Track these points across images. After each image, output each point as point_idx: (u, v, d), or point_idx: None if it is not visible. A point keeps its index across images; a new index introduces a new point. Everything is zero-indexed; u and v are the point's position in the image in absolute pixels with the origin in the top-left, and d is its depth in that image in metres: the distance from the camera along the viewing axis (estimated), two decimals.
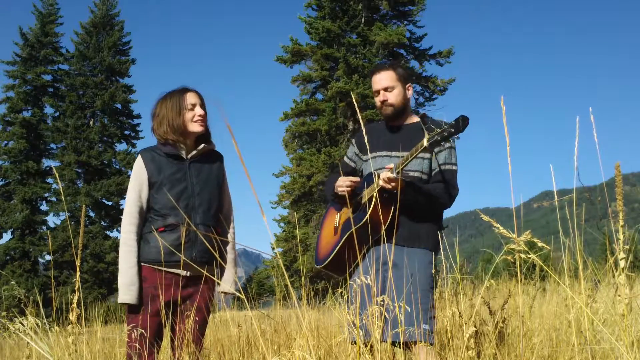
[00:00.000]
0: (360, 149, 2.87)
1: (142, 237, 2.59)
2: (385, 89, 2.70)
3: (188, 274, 2.57)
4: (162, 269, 2.54)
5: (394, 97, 2.70)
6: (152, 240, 2.54)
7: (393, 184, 2.47)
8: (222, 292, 2.72)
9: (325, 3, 22.53)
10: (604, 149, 2.09)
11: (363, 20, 22.66)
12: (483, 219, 1.90)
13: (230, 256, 2.74)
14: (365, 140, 2.25)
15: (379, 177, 2.53)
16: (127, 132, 29.41)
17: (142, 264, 2.56)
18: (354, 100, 2.33)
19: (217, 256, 2.54)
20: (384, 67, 2.74)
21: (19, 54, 27.74)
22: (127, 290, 2.50)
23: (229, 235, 2.75)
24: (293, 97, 23.06)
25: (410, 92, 2.76)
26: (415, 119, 2.78)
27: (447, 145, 2.67)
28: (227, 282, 2.71)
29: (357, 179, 2.72)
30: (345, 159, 2.97)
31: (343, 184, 2.70)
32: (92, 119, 28.55)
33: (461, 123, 2.34)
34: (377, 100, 2.74)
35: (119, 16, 29.72)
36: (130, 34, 29.95)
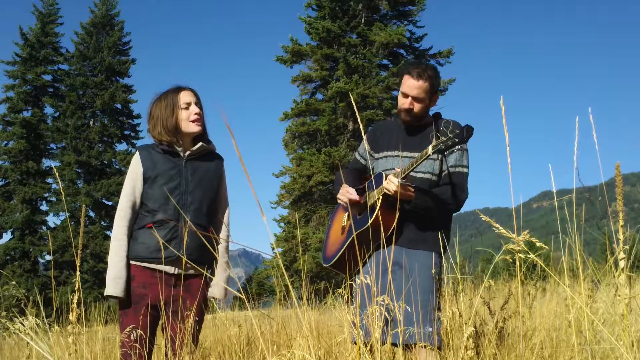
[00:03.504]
0: (373, 146, 2.82)
1: (131, 234, 2.57)
2: (415, 99, 2.62)
3: (176, 271, 2.53)
4: (153, 266, 2.52)
5: (419, 108, 2.64)
6: (140, 237, 2.53)
7: (395, 189, 2.44)
8: (211, 297, 2.67)
9: (325, 3, 22.52)
10: (603, 149, 2.09)
11: (363, 20, 22.66)
12: (483, 219, 1.90)
13: (222, 260, 2.68)
14: (378, 136, 2.24)
15: (386, 178, 2.52)
16: (127, 132, 29.41)
17: (131, 261, 2.54)
18: (352, 100, 2.33)
19: (213, 253, 2.52)
20: (423, 75, 2.59)
21: (19, 54, 27.74)
22: (113, 283, 2.48)
23: (221, 238, 2.70)
24: (293, 97, 23.10)
25: (434, 103, 2.71)
26: (429, 118, 2.72)
27: (458, 147, 2.62)
28: (216, 287, 2.65)
29: (355, 197, 2.69)
30: (356, 155, 2.92)
31: (342, 197, 2.70)
32: (92, 119, 28.55)
33: (465, 133, 2.32)
34: (402, 103, 2.65)
35: (119, 16, 29.74)
36: (130, 34, 29.99)
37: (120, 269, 2.50)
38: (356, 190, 2.75)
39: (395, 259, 2.53)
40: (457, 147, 2.58)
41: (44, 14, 28.46)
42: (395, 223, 2.52)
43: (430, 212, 2.57)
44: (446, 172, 2.64)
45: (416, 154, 2.60)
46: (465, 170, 2.65)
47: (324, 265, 2.83)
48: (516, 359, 2.39)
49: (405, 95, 2.64)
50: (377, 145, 2.79)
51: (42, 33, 28.08)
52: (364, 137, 2.88)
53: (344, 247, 2.68)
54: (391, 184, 2.45)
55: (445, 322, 2.64)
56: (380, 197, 2.52)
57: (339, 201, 2.75)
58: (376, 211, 2.50)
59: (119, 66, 28.93)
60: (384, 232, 2.49)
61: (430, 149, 2.37)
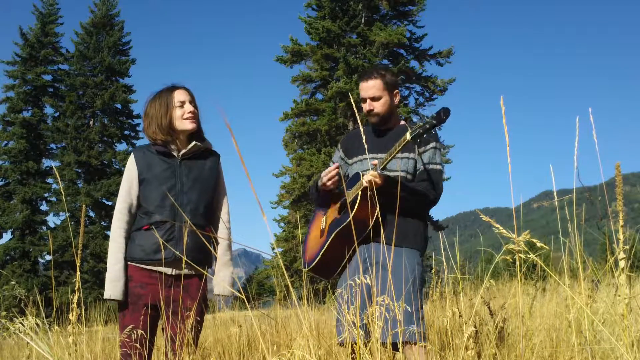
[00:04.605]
0: (346, 153, 2.88)
1: (129, 236, 2.57)
2: (372, 99, 2.72)
3: (174, 272, 2.53)
4: (150, 267, 2.52)
5: (380, 106, 2.72)
6: (137, 239, 2.53)
7: (377, 180, 2.47)
8: (216, 294, 2.66)
9: (325, 3, 22.53)
10: (604, 149, 2.09)
11: (363, 20, 22.66)
12: (483, 219, 1.90)
13: (225, 258, 2.67)
14: (364, 140, 2.27)
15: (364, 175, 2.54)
16: (127, 132, 29.41)
17: (128, 262, 2.54)
18: (352, 100, 2.33)
19: (213, 252, 2.51)
20: (372, 75, 2.72)
21: (19, 54, 27.74)
22: (112, 286, 2.48)
23: (222, 235, 2.68)
24: (293, 97, 23.10)
25: (397, 99, 2.78)
26: (402, 122, 2.82)
27: (431, 145, 2.69)
28: (221, 284, 2.64)
29: (337, 164, 2.74)
30: (331, 163, 2.94)
31: (326, 175, 2.69)
32: (92, 119, 28.55)
33: (442, 114, 2.40)
34: (364, 108, 2.76)
35: (119, 16, 29.73)
36: (130, 34, 29.99)
37: (118, 271, 2.50)
38: (334, 193, 2.80)
39: (378, 256, 2.54)
40: (430, 145, 2.67)
41: (44, 14, 28.46)
42: (374, 218, 2.53)
43: (406, 202, 2.56)
44: (420, 169, 2.69)
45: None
46: (438, 167, 2.70)
47: (305, 269, 2.83)
48: (516, 359, 2.39)
49: (364, 100, 2.75)
50: (351, 151, 2.85)
51: (42, 33, 28.07)
52: (337, 145, 2.96)
53: (324, 247, 2.68)
54: (369, 176, 2.47)
55: (445, 322, 2.64)
56: (359, 192, 2.54)
57: (327, 184, 2.71)
58: (357, 203, 2.52)
59: (119, 66, 28.92)
60: (364, 227, 2.52)
61: (408, 135, 2.43)
